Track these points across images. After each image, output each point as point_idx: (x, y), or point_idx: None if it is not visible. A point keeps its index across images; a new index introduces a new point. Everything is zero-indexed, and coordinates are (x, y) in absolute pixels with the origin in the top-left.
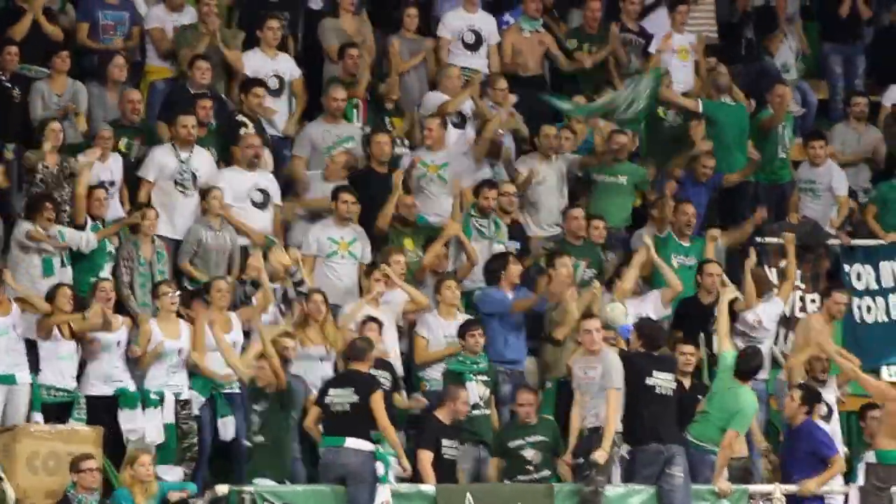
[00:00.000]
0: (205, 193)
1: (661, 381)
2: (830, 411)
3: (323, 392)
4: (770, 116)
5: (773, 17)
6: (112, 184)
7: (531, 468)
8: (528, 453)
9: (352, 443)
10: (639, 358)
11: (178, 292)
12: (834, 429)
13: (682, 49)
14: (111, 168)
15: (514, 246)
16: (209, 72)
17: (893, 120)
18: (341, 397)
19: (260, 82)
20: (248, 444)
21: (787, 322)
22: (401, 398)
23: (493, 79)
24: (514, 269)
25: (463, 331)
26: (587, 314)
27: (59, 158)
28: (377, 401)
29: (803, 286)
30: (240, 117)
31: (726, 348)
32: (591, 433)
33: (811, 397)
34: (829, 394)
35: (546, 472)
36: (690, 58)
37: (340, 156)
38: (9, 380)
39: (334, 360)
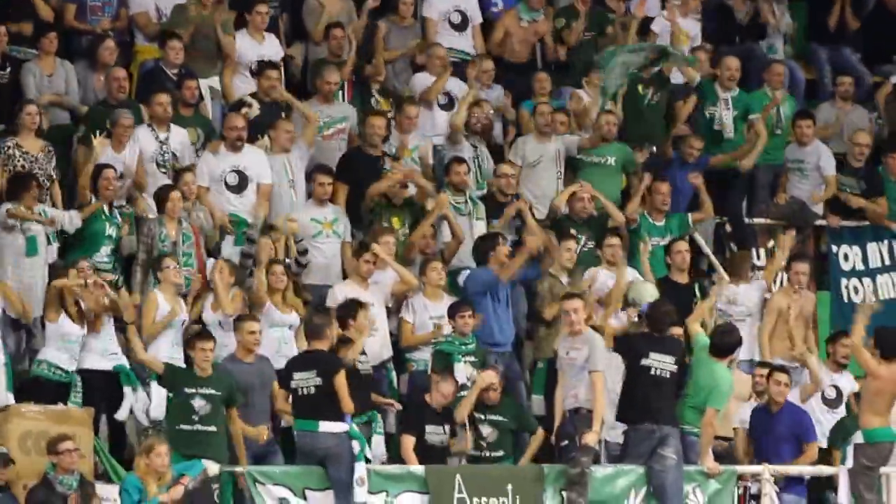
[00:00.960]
0: (177, 177)
1: (657, 363)
2: (840, 397)
3: (287, 376)
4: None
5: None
6: (121, 176)
7: (484, 444)
8: (485, 430)
9: (325, 426)
10: (637, 339)
11: (181, 267)
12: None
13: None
14: (125, 159)
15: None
16: (182, 51)
17: (895, 98)
18: (305, 380)
19: (273, 65)
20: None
21: None
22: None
23: (480, 59)
24: (503, 250)
25: (452, 312)
26: (569, 295)
27: (42, 143)
28: (340, 381)
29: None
30: (247, 98)
31: (697, 330)
32: (572, 414)
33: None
34: (845, 380)
35: (500, 453)
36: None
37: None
38: None
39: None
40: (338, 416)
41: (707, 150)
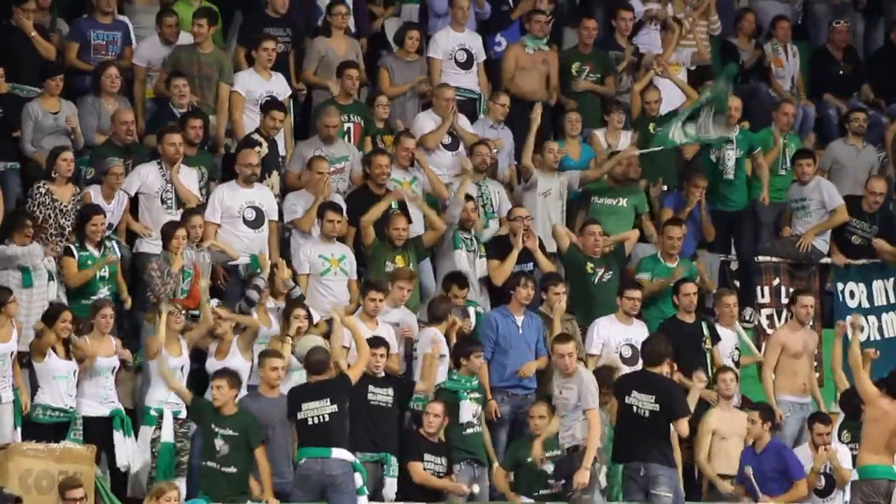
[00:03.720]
0: (185, 218)
1: (637, 402)
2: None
3: (294, 407)
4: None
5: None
6: (111, 226)
7: (552, 482)
8: (550, 468)
9: (337, 453)
10: (624, 377)
11: (182, 311)
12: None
13: (675, 64)
14: (112, 208)
15: (527, 267)
16: (186, 88)
17: None
18: (318, 409)
19: (279, 106)
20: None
21: None
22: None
23: (495, 94)
24: (524, 292)
25: (467, 350)
26: (560, 338)
27: (73, 190)
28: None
29: None
30: (255, 136)
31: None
32: (569, 452)
33: (770, 416)
34: None
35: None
36: (683, 72)
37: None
38: None
39: None
40: (345, 445)
41: (707, 191)
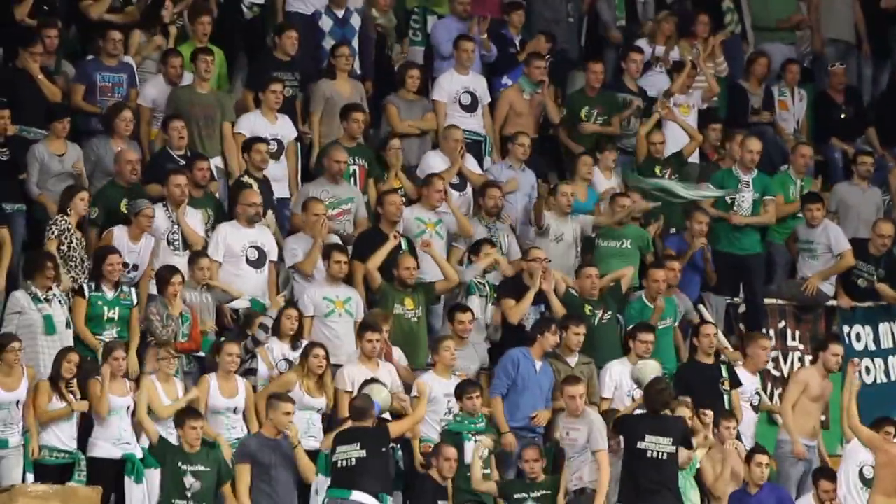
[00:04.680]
0: (192, 260)
1: (654, 445)
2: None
3: (332, 451)
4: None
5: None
6: (136, 267)
7: None
8: None
9: (357, 496)
10: (633, 420)
11: (175, 358)
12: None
13: (684, 106)
14: (140, 249)
15: (538, 309)
16: (185, 130)
17: None
18: (347, 452)
19: (262, 139)
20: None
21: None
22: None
23: (516, 135)
24: (553, 339)
25: (460, 392)
26: (570, 380)
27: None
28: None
29: (802, 347)
30: (245, 178)
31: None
32: (577, 495)
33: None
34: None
35: None
36: (692, 113)
37: None
38: (1, 444)
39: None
40: (371, 490)
41: (719, 233)
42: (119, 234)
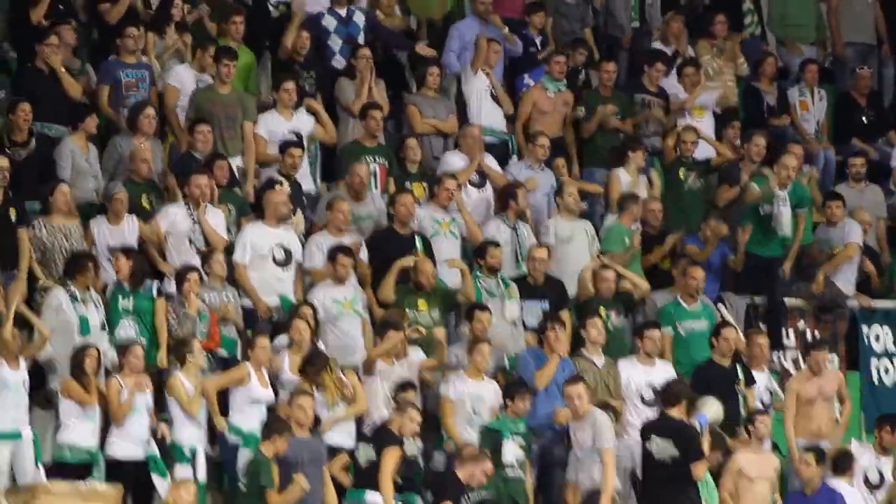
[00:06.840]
0: (206, 256)
1: (657, 447)
2: (883, 480)
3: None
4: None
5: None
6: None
7: None
8: None
9: (370, 496)
10: (645, 423)
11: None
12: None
13: (698, 108)
14: (124, 232)
15: (543, 307)
16: (210, 135)
17: None
18: (364, 453)
19: (296, 143)
20: None
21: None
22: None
23: (535, 135)
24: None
25: (512, 393)
26: (571, 379)
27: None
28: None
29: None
30: (276, 175)
31: None
32: (589, 495)
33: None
34: (887, 463)
35: None
36: (706, 115)
37: None
38: (15, 436)
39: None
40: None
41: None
42: (99, 219)
